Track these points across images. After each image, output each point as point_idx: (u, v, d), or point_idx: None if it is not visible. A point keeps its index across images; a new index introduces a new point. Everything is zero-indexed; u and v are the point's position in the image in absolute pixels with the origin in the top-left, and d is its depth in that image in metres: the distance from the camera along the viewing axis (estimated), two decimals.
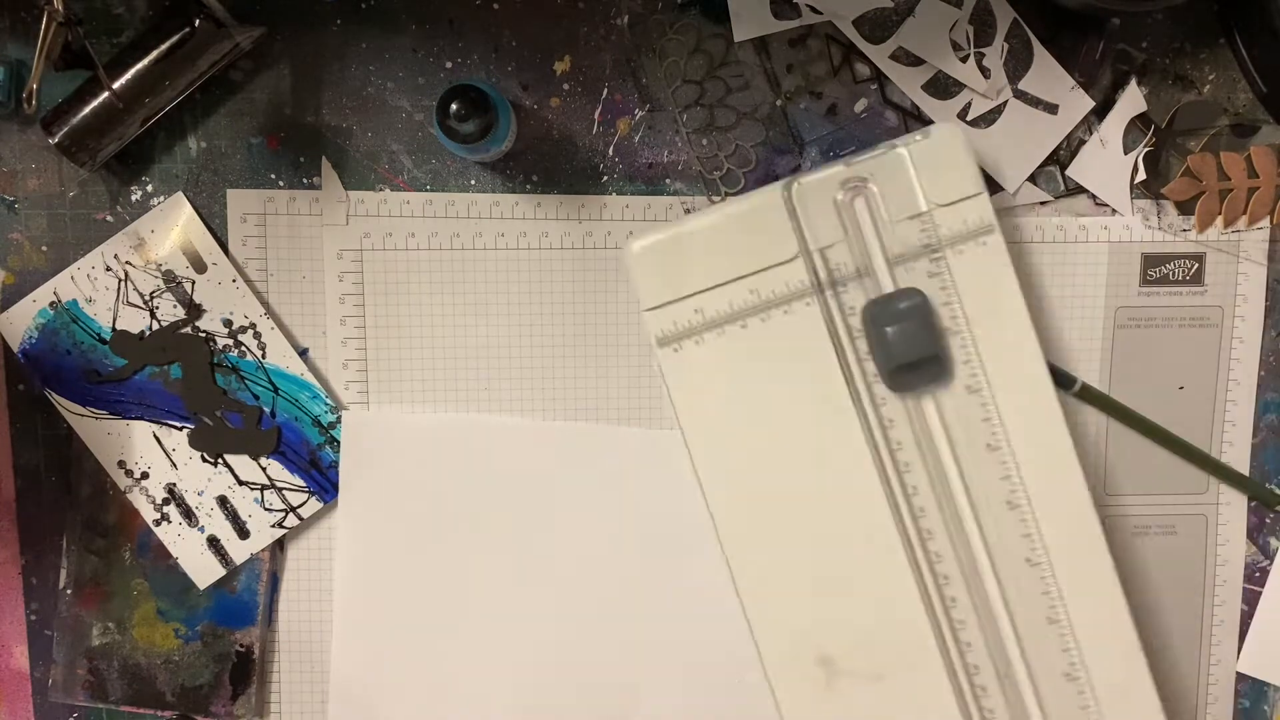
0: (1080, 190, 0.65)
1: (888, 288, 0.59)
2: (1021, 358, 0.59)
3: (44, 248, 0.64)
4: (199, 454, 0.64)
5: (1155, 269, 0.65)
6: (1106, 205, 0.65)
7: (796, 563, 0.60)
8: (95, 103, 0.60)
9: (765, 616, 0.60)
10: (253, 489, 0.65)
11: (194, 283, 0.63)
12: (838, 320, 0.59)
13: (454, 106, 0.56)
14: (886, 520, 0.59)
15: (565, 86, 0.63)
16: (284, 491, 0.65)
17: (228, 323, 0.64)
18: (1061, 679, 0.60)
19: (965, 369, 0.59)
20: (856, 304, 0.59)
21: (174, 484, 0.64)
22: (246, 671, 0.65)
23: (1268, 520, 0.67)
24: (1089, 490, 0.60)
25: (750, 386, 0.60)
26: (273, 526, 0.65)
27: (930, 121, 0.64)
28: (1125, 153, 0.64)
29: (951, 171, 0.59)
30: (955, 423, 0.59)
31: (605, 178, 0.64)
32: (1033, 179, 0.65)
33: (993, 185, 0.64)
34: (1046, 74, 0.63)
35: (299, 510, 0.65)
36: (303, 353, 0.64)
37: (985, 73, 0.63)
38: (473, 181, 0.64)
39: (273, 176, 0.63)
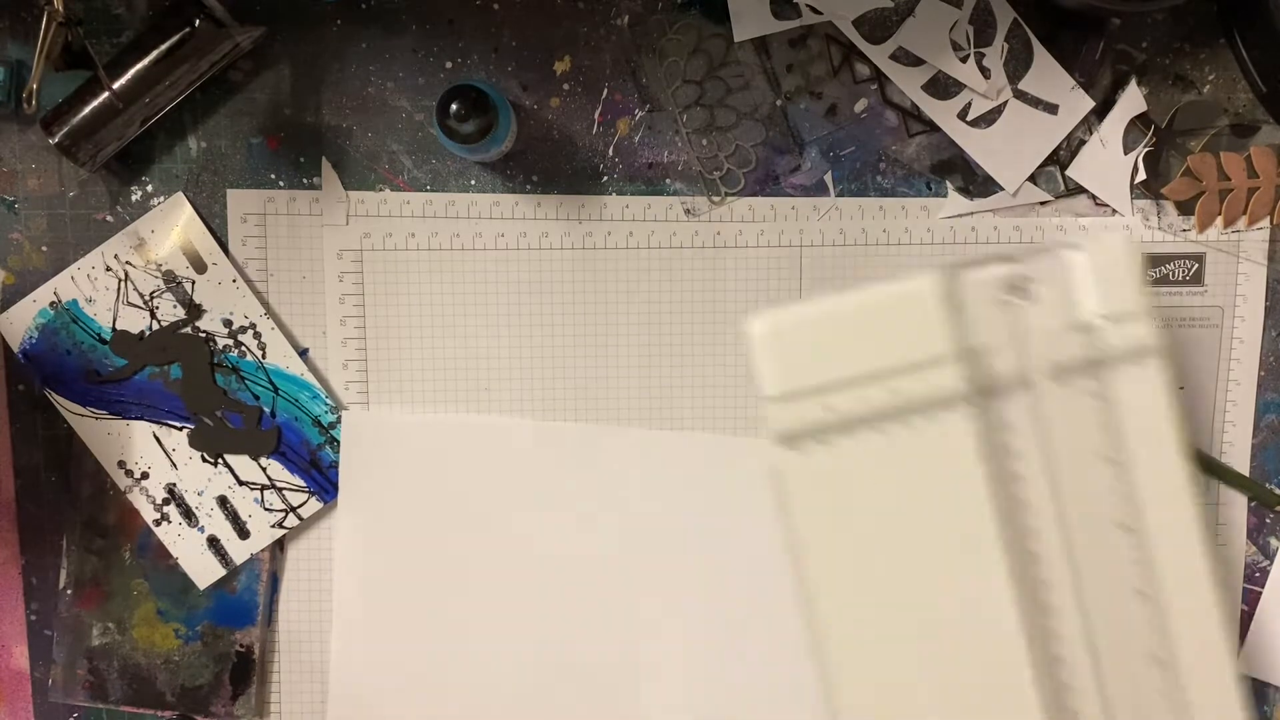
0: (1080, 190, 0.65)
1: (1050, 403, 0.52)
2: (1175, 495, 0.53)
3: (44, 248, 0.64)
4: (199, 454, 0.64)
5: (1155, 269, 0.65)
6: (1106, 205, 0.65)
7: (904, 691, 0.53)
8: (95, 103, 0.60)
9: None
10: (253, 489, 0.65)
11: (194, 283, 0.63)
12: (991, 436, 0.52)
13: (454, 106, 0.56)
14: (1023, 678, 0.52)
15: (565, 86, 0.63)
16: (284, 491, 0.65)
17: (228, 323, 0.64)
18: None
19: (1122, 503, 0.53)
20: (1015, 419, 0.52)
21: (174, 484, 0.64)
22: (246, 671, 0.65)
23: (1268, 520, 0.67)
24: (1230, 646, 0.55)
25: (878, 504, 0.52)
26: (273, 526, 0.65)
27: (930, 121, 0.64)
28: (1125, 153, 0.64)
29: (1118, 284, 0.53)
30: (1106, 564, 0.53)
31: (605, 178, 0.64)
32: (1033, 179, 0.65)
33: (993, 185, 0.64)
34: (1046, 74, 0.63)
35: (299, 510, 0.65)
36: (303, 353, 0.64)
37: (985, 73, 0.63)
38: (473, 181, 0.64)
39: (273, 176, 0.63)
